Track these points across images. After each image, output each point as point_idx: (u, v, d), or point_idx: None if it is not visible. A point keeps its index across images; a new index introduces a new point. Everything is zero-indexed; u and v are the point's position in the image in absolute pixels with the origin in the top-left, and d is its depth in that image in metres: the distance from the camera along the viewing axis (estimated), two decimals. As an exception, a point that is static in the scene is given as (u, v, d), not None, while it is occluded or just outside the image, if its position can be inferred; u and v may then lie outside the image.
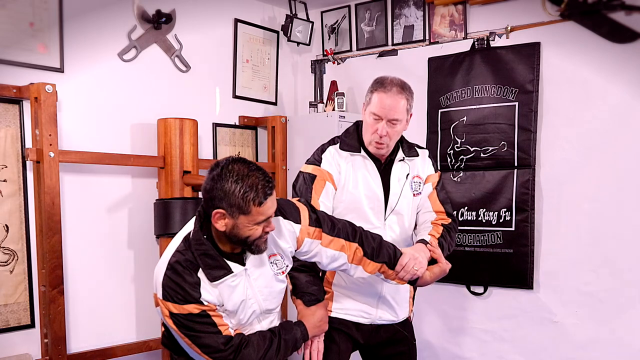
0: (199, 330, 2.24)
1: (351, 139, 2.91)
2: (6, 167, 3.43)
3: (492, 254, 4.16)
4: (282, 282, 2.50)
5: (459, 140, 4.27)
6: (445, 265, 2.72)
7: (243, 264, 2.33)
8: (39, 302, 3.57)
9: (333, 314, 2.93)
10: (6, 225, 3.44)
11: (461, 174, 4.29)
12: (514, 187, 4.03)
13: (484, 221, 4.19)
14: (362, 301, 2.95)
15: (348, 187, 2.85)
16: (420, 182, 2.98)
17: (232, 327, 2.39)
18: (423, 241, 2.89)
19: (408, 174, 2.91)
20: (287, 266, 2.52)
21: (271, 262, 2.44)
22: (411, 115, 2.94)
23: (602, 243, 3.85)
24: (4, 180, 3.43)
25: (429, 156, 3.09)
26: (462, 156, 4.27)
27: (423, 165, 3.00)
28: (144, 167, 4.05)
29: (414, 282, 2.66)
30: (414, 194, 2.94)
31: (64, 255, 3.65)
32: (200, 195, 3.63)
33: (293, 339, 2.53)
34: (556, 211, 3.95)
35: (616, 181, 3.80)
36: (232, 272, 2.27)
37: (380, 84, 2.81)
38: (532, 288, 4.02)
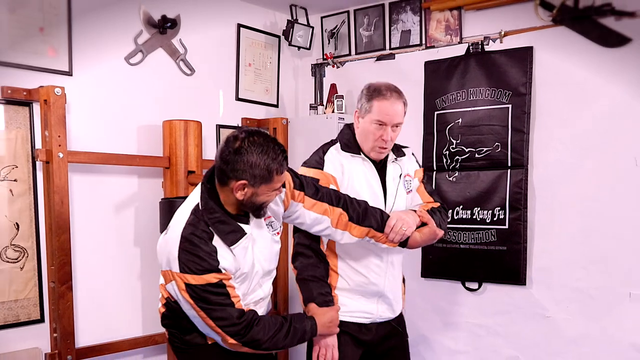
0: (214, 302, 2.31)
1: (350, 141, 2.97)
2: (17, 167, 3.48)
3: (487, 251, 4.20)
4: (277, 244, 2.63)
5: (454, 142, 4.30)
6: (434, 227, 2.77)
7: (247, 225, 2.45)
8: (48, 298, 3.61)
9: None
10: (17, 223, 3.49)
11: (456, 174, 4.31)
12: (507, 187, 4.08)
13: (478, 219, 4.22)
14: (364, 301, 2.99)
15: (353, 185, 2.92)
16: (410, 180, 3.08)
17: (242, 296, 2.47)
18: (412, 210, 2.99)
19: (401, 174, 3.02)
20: (280, 228, 2.63)
21: (267, 224, 2.55)
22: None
23: (593, 242, 3.90)
24: (15, 180, 3.48)
25: (412, 153, 3.18)
26: (457, 157, 4.30)
27: (409, 164, 3.10)
28: (149, 168, 4.11)
29: (405, 244, 2.72)
30: (407, 192, 3.03)
31: (72, 252, 3.70)
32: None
33: (302, 329, 2.61)
34: (549, 210, 3.99)
35: (608, 182, 3.86)
36: (246, 233, 2.39)
37: (378, 92, 2.87)
38: (525, 284, 4.07)
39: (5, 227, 3.50)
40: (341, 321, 2.92)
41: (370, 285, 2.96)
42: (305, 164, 2.99)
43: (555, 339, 4.02)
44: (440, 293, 4.50)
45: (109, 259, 4.01)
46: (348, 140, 2.98)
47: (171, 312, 2.54)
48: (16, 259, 3.58)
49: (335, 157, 2.94)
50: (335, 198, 2.62)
